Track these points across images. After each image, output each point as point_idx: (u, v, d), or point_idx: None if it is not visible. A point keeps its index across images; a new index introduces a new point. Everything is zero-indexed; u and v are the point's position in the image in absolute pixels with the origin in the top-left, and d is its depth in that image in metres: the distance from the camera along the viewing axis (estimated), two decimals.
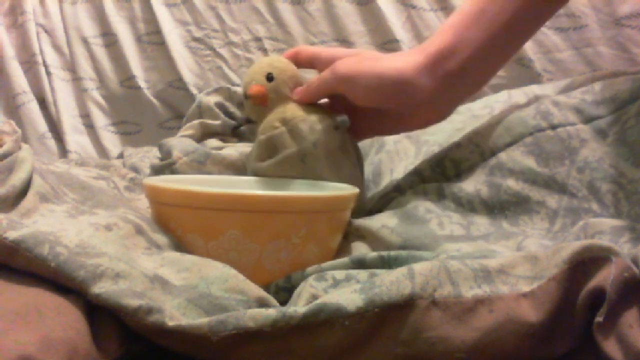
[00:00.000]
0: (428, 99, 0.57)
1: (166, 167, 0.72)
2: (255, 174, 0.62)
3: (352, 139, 0.63)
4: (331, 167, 0.60)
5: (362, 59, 0.59)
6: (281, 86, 0.62)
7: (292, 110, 0.61)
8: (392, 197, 0.64)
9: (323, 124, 0.60)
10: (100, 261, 0.42)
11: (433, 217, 0.57)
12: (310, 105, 0.62)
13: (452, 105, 0.60)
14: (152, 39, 1.01)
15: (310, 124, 0.60)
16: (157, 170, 0.73)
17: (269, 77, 0.62)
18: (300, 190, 0.59)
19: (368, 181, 0.69)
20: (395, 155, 0.70)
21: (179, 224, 0.52)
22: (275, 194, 0.51)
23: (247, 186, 0.61)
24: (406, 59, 0.57)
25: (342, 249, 0.57)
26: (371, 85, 0.57)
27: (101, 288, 0.41)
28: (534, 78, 0.86)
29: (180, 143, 0.76)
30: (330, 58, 0.61)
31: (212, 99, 0.86)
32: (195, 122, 0.84)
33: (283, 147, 0.60)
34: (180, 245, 0.52)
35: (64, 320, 0.39)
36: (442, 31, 0.57)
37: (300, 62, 0.64)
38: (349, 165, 0.62)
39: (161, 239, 0.51)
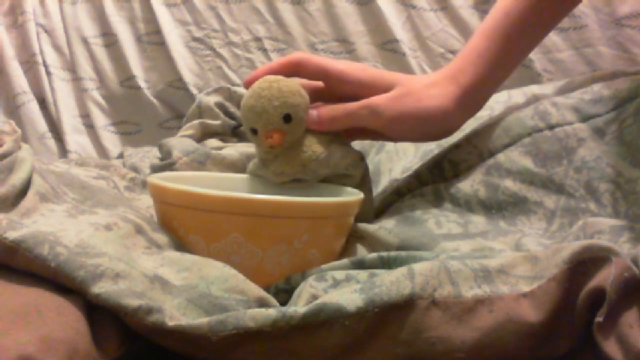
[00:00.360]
0: (455, 129, 0.60)
1: (166, 167, 0.72)
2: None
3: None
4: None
5: (401, 97, 0.57)
6: (298, 125, 0.56)
7: (311, 146, 0.57)
8: (391, 200, 0.64)
9: (347, 159, 0.58)
10: (100, 261, 0.42)
11: (430, 217, 0.58)
12: (327, 134, 0.58)
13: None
14: (152, 39, 1.01)
15: (334, 162, 0.57)
16: (157, 171, 0.73)
17: (286, 118, 0.55)
18: (304, 192, 0.58)
19: None
20: (395, 155, 0.70)
21: (182, 224, 0.52)
22: (280, 199, 0.51)
23: (248, 185, 0.61)
24: (444, 94, 0.57)
25: (344, 251, 0.57)
26: (416, 128, 0.58)
27: (101, 288, 0.41)
28: (534, 78, 0.86)
29: (180, 143, 0.76)
30: (339, 75, 0.59)
31: (212, 99, 0.86)
32: (195, 122, 0.84)
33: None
34: (180, 244, 0.52)
35: (64, 320, 0.39)
36: (472, 61, 0.58)
37: (305, 75, 0.60)
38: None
39: (161, 238, 0.51)
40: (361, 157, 0.60)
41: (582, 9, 0.86)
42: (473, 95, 0.58)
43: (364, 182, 0.61)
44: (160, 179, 0.54)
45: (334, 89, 0.59)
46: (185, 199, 0.51)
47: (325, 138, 0.57)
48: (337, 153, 0.58)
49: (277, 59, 0.62)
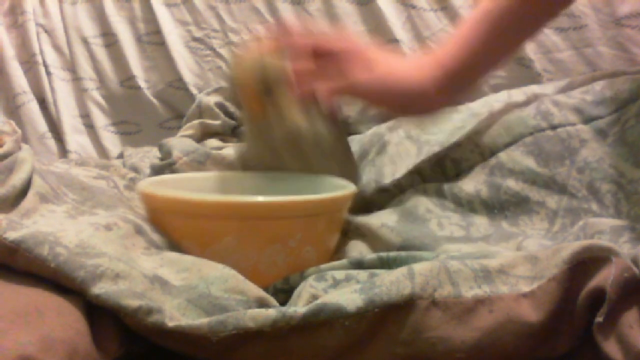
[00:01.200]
0: (438, 110, 0.61)
1: (166, 167, 0.72)
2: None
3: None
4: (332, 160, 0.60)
5: (383, 77, 0.59)
6: (279, 98, 0.58)
7: (293, 118, 0.58)
8: (393, 193, 0.64)
9: (327, 131, 0.59)
10: (100, 261, 0.42)
11: (432, 217, 0.57)
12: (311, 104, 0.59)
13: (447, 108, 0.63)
14: (152, 39, 1.01)
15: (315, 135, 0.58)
16: (157, 171, 0.73)
17: (267, 91, 0.58)
18: (296, 186, 0.58)
19: (370, 180, 0.69)
20: (397, 157, 0.70)
21: (174, 231, 0.51)
22: (271, 200, 0.50)
23: (243, 183, 0.61)
24: (426, 76, 0.58)
25: (342, 248, 0.57)
26: (397, 107, 0.60)
27: (101, 288, 0.41)
28: (534, 78, 0.86)
29: (180, 143, 0.76)
30: (326, 52, 0.60)
31: (212, 99, 0.86)
32: (195, 122, 0.84)
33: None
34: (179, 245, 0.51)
35: (64, 320, 0.39)
36: (458, 47, 0.59)
37: (297, 54, 0.61)
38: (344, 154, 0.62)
39: (161, 238, 0.51)
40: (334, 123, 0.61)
41: (582, 9, 0.86)
42: (456, 81, 0.59)
43: (338, 146, 0.61)
44: (152, 184, 0.54)
45: (321, 62, 0.60)
46: (174, 206, 0.51)
47: (307, 108, 0.59)
48: (316, 125, 0.59)
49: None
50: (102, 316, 0.41)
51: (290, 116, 0.58)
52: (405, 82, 0.59)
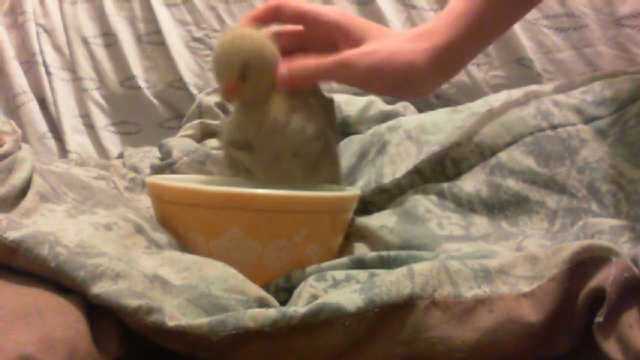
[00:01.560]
0: (429, 89, 0.61)
1: (166, 167, 0.72)
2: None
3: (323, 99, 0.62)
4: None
5: (373, 52, 0.57)
6: (257, 83, 0.56)
7: (271, 111, 0.56)
8: (393, 194, 0.64)
9: (305, 133, 0.57)
10: (100, 261, 0.42)
11: (432, 217, 0.57)
12: (295, 98, 0.57)
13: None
14: (152, 39, 1.01)
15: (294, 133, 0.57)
16: (157, 170, 0.73)
17: (243, 75, 0.55)
18: (302, 189, 0.59)
19: (370, 181, 0.69)
20: (397, 157, 0.70)
21: (181, 222, 0.52)
22: (278, 192, 0.51)
23: (248, 186, 0.61)
24: (417, 51, 0.57)
25: (344, 250, 0.57)
26: (388, 83, 0.59)
27: (101, 288, 0.41)
28: (534, 78, 0.86)
29: (181, 143, 0.76)
30: (316, 16, 0.59)
31: (212, 99, 0.86)
32: (196, 122, 0.84)
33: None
34: (180, 244, 0.52)
35: (64, 320, 0.39)
36: (450, 22, 0.58)
37: (285, 19, 0.60)
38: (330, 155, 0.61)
39: (161, 237, 0.51)
40: (320, 131, 0.59)
41: (582, 9, 0.86)
42: (447, 56, 0.58)
43: (326, 152, 0.60)
44: (160, 179, 0.54)
45: (311, 31, 0.60)
46: (183, 196, 0.51)
47: (290, 104, 0.57)
48: (296, 124, 0.57)
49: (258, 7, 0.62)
50: (102, 316, 0.41)
51: (262, 107, 0.56)
52: (397, 57, 0.57)
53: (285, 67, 0.58)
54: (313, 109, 0.59)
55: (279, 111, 0.56)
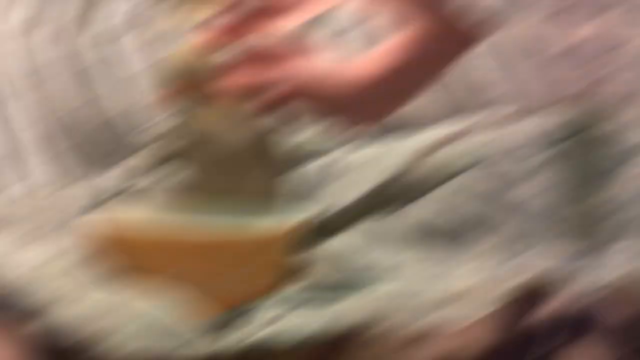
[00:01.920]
0: (371, 119, 0.61)
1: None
2: None
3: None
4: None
5: (322, 64, 0.58)
6: (192, 90, 0.57)
7: (202, 117, 0.56)
8: (344, 220, 0.63)
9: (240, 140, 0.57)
10: (49, 291, 0.42)
11: (381, 244, 0.58)
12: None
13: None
14: None
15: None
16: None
17: (178, 82, 0.56)
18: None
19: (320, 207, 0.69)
20: (350, 182, 0.70)
21: (124, 256, 0.51)
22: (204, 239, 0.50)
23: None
24: (364, 70, 0.58)
25: (296, 276, 0.56)
26: (333, 97, 0.58)
27: (48, 319, 0.40)
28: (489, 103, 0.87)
29: None
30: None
31: None
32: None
33: None
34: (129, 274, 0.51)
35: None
36: (389, 51, 0.59)
37: None
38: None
39: (109, 268, 0.49)
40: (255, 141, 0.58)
41: None
42: (383, 89, 0.59)
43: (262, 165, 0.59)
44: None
45: None
46: (124, 231, 0.50)
47: (225, 112, 0.57)
48: (227, 133, 0.57)
49: None
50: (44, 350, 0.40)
51: (195, 118, 0.57)
52: (345, 74, 0.58)
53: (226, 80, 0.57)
54: (247, 117, 0.59)
55: (211, 121, 0.57)
